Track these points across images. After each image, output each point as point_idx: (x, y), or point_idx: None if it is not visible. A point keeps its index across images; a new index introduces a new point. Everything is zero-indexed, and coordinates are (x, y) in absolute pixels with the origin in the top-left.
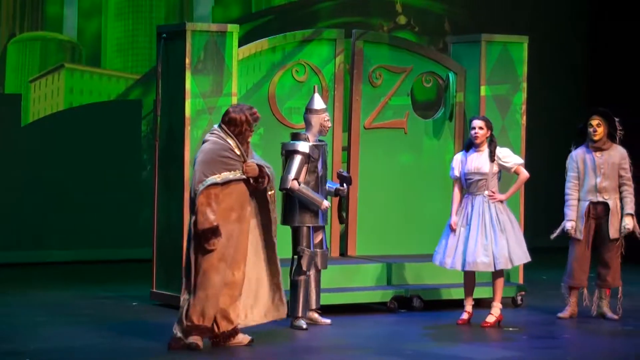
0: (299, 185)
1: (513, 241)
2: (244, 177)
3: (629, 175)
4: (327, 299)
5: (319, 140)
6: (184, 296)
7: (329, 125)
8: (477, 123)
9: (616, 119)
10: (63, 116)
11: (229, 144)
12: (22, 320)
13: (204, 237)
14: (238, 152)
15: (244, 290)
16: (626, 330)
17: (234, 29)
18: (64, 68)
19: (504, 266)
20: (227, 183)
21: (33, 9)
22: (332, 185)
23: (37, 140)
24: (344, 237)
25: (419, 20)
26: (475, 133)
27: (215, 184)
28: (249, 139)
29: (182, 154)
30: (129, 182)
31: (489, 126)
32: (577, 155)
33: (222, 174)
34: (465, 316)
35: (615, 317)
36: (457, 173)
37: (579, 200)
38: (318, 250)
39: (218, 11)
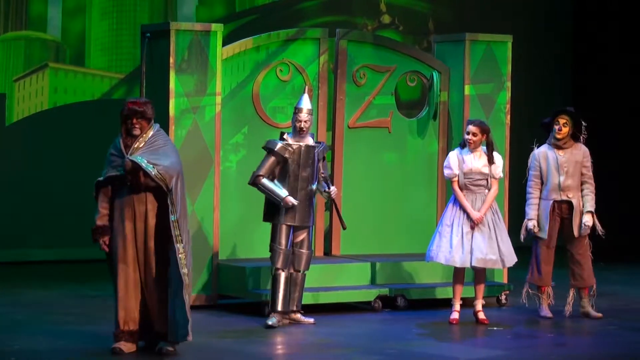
0: (262, 179)
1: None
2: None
3: (590, 173)
4: (311, 299)
5: (316, 142)
6: None
7: (304, 125)
8: (471, 129)
9: (583, 124)
10: (47, 115)
11: (118, 140)
12: (6, 319)
13: (93, 239)
14: (121, 149)
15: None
16: (609, 329)
17: (218, 28)
18: (48, 67)
19: (510, 263)
20: (114, 181)
21: (17, 9)
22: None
23: (22, 139)
24: (328, 237)
25: (403, 20)
26: (469, 139)
27: (99, 182)
28: (135, 132)
29: None
30: None
31: (484, 131)
32: (540, 153)
33: (110, 172)
34: (457, 315)
35: (599, 315)
36: (457, 171)
37: (541, 199)
38: (298, 250)
39: (202, 10)
